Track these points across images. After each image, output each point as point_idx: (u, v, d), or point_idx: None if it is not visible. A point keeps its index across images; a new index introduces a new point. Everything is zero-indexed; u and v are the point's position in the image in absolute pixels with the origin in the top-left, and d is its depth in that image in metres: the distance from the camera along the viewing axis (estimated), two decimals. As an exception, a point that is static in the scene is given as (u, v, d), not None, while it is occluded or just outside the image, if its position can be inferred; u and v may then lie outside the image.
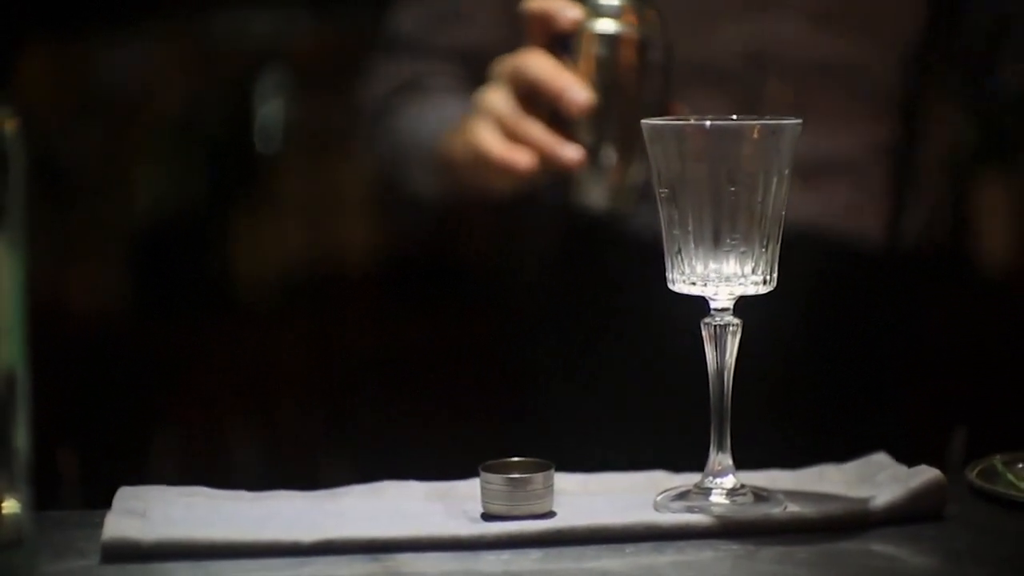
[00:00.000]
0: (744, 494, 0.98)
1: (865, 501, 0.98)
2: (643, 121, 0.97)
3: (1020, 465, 1.05)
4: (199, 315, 2.45)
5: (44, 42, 2.48)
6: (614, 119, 1.22)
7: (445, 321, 1.49)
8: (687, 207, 0.96)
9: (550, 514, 0.96)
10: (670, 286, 0.99)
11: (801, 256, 1.12)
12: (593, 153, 1.22)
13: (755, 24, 1.39)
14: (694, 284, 0.97)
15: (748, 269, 0.97)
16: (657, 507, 0.98)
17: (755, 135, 0.95)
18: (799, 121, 0.96)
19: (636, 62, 1.22)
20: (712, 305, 0.98)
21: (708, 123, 0.95)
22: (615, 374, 1.44)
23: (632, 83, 1.22)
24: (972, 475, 1.04)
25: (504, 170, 1.23)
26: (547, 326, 1.46)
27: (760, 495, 0.98)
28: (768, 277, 0.97)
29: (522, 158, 1.22)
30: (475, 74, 1.36)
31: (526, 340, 1.45)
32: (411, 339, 1.51)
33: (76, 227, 2.45)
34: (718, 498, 0.97)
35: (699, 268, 0.97)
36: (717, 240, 0.96)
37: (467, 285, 1.48)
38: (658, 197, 0.98)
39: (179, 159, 2.47)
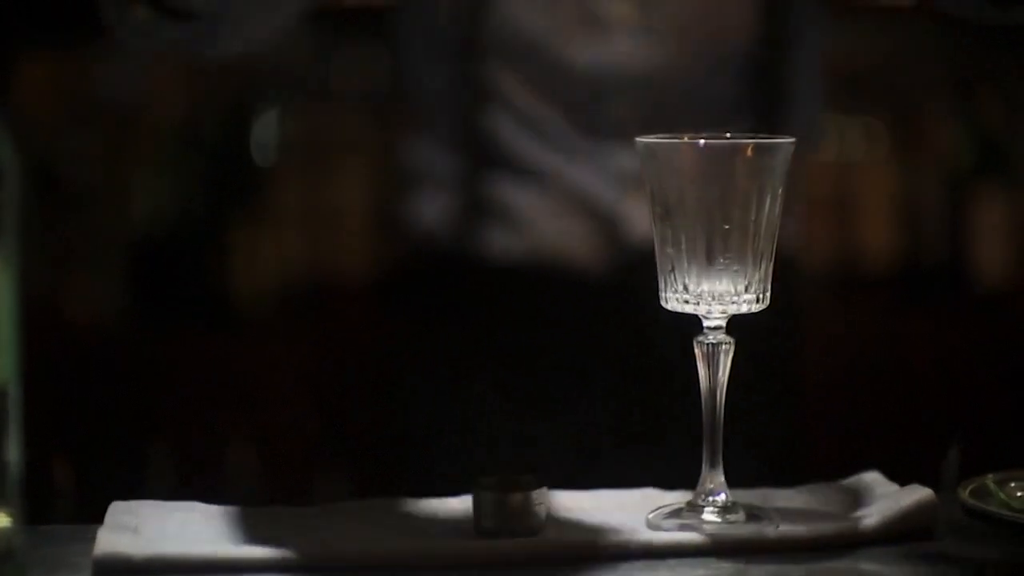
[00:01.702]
0: (736, 512, 0.98)
1: (857, 520, 0.98)
2: (637, 139, 0.98)
3: (1013, 484, 1.04)
4: (194, 328, 2.45)
5: (41, 52, 2.48)
6: None
7: (441, 337, 1.49)
8: (680, 225, 0.96)
9: (543, 531, 0.96)
10: (663, 304, 0.99)
11: None
12: None
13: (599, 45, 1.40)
14: (687, 302, 0.97)
15: (741, 288, 0.97)
16: (650, 525, 0.98)
17: (749, 153, 0.96)
18: (793, 140, 0.97)
19: None
20: (705, 323, 0.98)
21: (702, 142, 0.96)
22: (608, 391, 1.44)
23: None
24: (964, 494, 1.03)
25: None
26: (541, 343, 1.45)
27: (752, 513, 0.98)
28: (761, 296, 0.97)
29: None
30: None
31: (520, 357, 1.45)
32: (407, 355, 1.51)
33: (72, 238, 2.45)
34: (710, 516, 0.97)
35: (692, 286, 0.97)
36: (710, 259, 0.96)
37: (465, 300, 1.48)
38: (652, 215, 0.98)
39: (176, 170, 2.47)
